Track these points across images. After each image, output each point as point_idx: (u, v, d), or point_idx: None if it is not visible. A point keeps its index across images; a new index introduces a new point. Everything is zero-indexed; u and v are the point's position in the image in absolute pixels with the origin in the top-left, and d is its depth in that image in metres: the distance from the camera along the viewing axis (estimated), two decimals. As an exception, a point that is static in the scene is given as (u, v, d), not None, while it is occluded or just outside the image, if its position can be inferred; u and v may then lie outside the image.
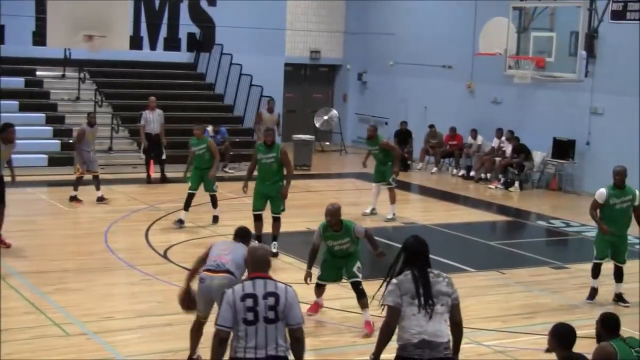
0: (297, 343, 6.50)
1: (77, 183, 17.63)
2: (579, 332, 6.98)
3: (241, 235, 9.51)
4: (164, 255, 13.85)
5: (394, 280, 6.74)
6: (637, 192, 12.08)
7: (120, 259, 13.54)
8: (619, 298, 12.27)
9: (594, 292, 12.25)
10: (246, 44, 26.38)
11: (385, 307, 6.73)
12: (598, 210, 12.03)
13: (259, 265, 6.57)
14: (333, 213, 10.58)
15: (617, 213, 11.98)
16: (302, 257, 13.45)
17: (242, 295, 6.38)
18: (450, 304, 6.72)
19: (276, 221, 14.21)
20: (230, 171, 22.32)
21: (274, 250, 13.99)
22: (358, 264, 10.70)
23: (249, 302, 6.36)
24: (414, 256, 6.80)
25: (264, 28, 27.15)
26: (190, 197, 16.04)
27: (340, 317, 11.10)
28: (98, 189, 17.69)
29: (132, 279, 12.66)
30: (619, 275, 12.24)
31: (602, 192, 12.04)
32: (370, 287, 9.85)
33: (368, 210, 17.40)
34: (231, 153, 22.71)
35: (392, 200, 17.26)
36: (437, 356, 6.60)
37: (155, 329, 10.42)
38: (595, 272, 12.20)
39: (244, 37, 26.52)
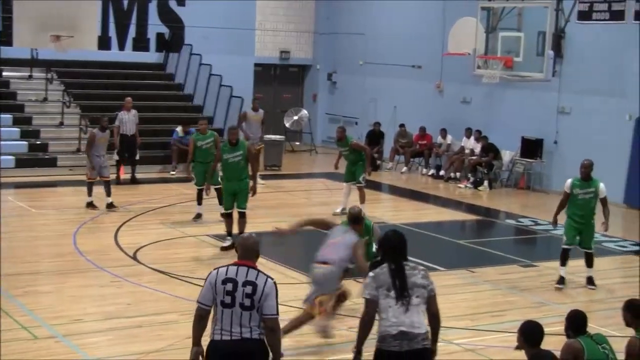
0: (271, 333, 6.69)
1: (90, 189, 17.12)
2: (547, 330, 7.05)
3: (353, 220, 10.25)
4: (134, 257, 13.78)
5: (370, 274, 6.90)
6: (602, 185, 12.89)
7: (89, 261, 13.45)
8: (589, 281, 13.01)
9: (562, 279, 12.92)
10: (215, 44, 26.33)
11: (363, 300, 6.86)
12: (562, 199, 13.03)
13: (247, 253, 6.82)
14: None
15: (581, 202, 12.79)
16: (272, 257, 13.48)
17: (224, 278, 6.66)
18: (427, 296, 6.84)
19: (242, 217, 14.25)
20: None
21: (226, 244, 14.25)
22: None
23: (229, 286, 6.62)
24: (391, 249, 6.94)
25: (234, 28, 27.11)
26: (200, 192, 16.23)
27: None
28: (109, 194, 17.18)
29: (101, 280, 12.58)
30: (588, 261, 13.04)
31: (567, 182, 13.01)
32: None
33: (338, 210, 17.43)
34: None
35: (362, 199, 17.31)
36: (416, 347, 6.72)
37: (125, 331, 10.36)
38: (563, 258, 12.96)
39: (213, 37, 26.46)
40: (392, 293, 6.73)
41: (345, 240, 9.99)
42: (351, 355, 6.98)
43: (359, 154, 17.55)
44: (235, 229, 14.26)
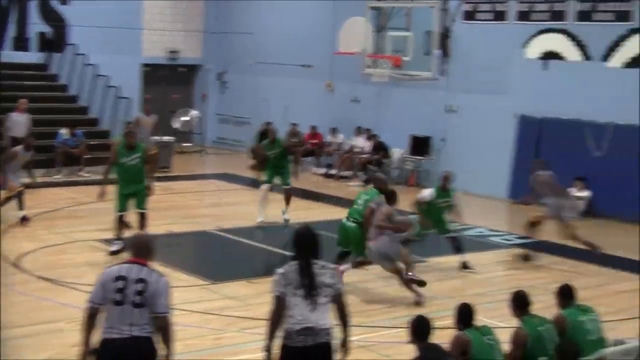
0: (163, 331, 6.70)
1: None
2: (438, 323, 7.17)
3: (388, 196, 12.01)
4: (16, 265, 13.36)
5: (279, 270, 6.88)
6: (455, 194, 14.31)
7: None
8: (464, 266, 13.99)
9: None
10: (101, 44, 25.82)
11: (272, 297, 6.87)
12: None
13: (139, 251, 6.84)
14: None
15: (438, 210, 14.17)
16: (164, 260, 13.31)
17: (115, 276, 6.66)
18: (334, 294, 6.85)
19: (144, 217, 14.06)
20: (86, 175, 21.82)
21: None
22: None
23: (120, 283, 6.63)
24: (301, 246, 6.93)
25: (120, 27, 26.64)
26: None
27: (202, 319, 11.01)
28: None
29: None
30: (457, 249, 14.13)
31: (428, 191, 14.37)
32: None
33: (260, 219, 16.90)
34: (87, 156, 22.22)
35: (289, 201, 17.16)
36: (320, 341, 6.75)
37: (10, 342, 10.05)
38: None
39: (99, 36, 25.96)
40: (300, 291, 6.74)
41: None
42: (250, 355, 6.97)
43: (287, 156, 17.39)
44: (127, 232, 14.03)
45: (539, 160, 15.88)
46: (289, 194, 17.24)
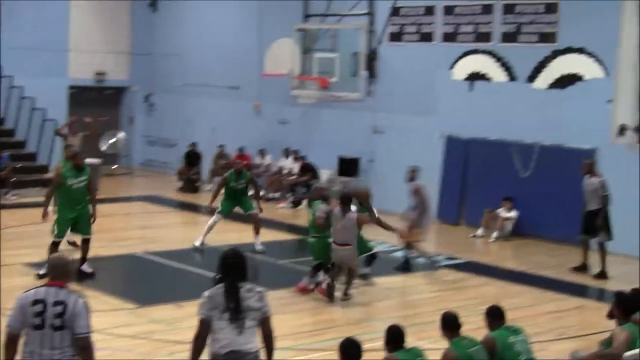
0: (83, 351, 6.64)
1: None
2: (368, 345, 7.18)
3: (345, 202, 12.94)
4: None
5: (206, 293, 6.82)
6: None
7: None
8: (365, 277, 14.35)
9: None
10: (27, 66, 25.44)
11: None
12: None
13: (57, 273, 6.77)
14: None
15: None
16: (90, 284, 13.14)
17: (33, 300, 6.61)
18: (260, 318, 6.80)
19: (87, 243, 13.90)
20: (12, 198, 21.46)
21: (90, 271, 13.98)
22: None
23: (39, 307, 6.58)
24: (227, 269, 6.85)
25: (46, 49, 26.28)
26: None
27: (131, 343, 10.88)
28: None
29: None
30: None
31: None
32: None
33: (198, 243, 16.75)
34: (13, 179, 21.87)
35: (258, 230, 16.87)
36: None
37: None
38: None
39: (24, 58, 25.57)
40: (226, 315, 6.70)
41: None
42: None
43: (248, 186, 17.11)
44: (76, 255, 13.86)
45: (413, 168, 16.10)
46: (257, 221, 16.83)
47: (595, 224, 15.52)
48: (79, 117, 22.41)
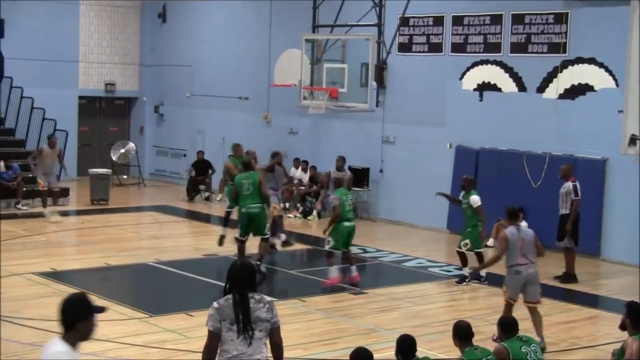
0: None
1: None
2: (377, 355, 7.17)
3: (512, 217, 12.18)
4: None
5: (214, 304, 6.75)
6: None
7: None
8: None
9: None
10: (37, 77, 25.62)
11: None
12: None
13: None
14: None
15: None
16: (102, 293, 13.18)
17: None
18: (270, 328, 6.78)
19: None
20: (23, 208, 21.53)
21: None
22: None
23: None
24: (236, 281, 6.82)
25: (56, 60, 26.46)
26: None
27: (141, 353, 10.89)
28: None
29: None
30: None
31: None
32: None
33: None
34: (24, 189, 21.94)
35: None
36: None
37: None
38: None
39: (35, 69, 25.74)
40: (235, 327, 6.65)
41: None
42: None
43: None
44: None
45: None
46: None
47: (563, 228, 15.66)
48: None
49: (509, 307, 11.39)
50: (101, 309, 5.40)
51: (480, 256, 15.00)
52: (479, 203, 14.97)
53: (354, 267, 14.99)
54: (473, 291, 14.93)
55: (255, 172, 15.60)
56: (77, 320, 5.27)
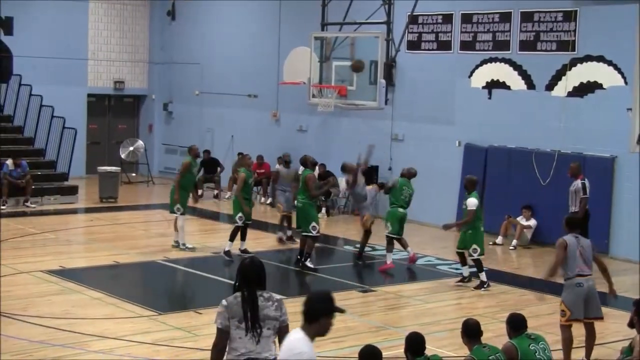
0: None
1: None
2: (386, 353, 7.17)
3: (573, 225, 10.96)
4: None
5: (223, 302, 6.76)
6: None
7: None
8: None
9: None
10: (46, 75, 25.69)
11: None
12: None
13: None
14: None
15: None
16: (110, 291, 13.21)
17: None
18: (278, 327, 6.78)
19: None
20: (32, 206, 21.59)
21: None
22: None
23: None
24: (246, 278, 6.81)
25: (65, 58, 26.53)
26: None
27: (151, 350, 10.91)
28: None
29: None
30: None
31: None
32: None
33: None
34: (33, 187, 21.99)
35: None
36: None
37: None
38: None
39: (44, 67, 25.80)
40: (244, 325, 6.66)
41: None
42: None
43: None
44: None
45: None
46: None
47: None
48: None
49: (568, 329, 10.42)
50: (342, 310, 6.04)
51: (478, 263, 14.81)
52: (474, 207, 14.52)
53: (410, 249, 16.38)
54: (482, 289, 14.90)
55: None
56: (321, 315, 5.96)
